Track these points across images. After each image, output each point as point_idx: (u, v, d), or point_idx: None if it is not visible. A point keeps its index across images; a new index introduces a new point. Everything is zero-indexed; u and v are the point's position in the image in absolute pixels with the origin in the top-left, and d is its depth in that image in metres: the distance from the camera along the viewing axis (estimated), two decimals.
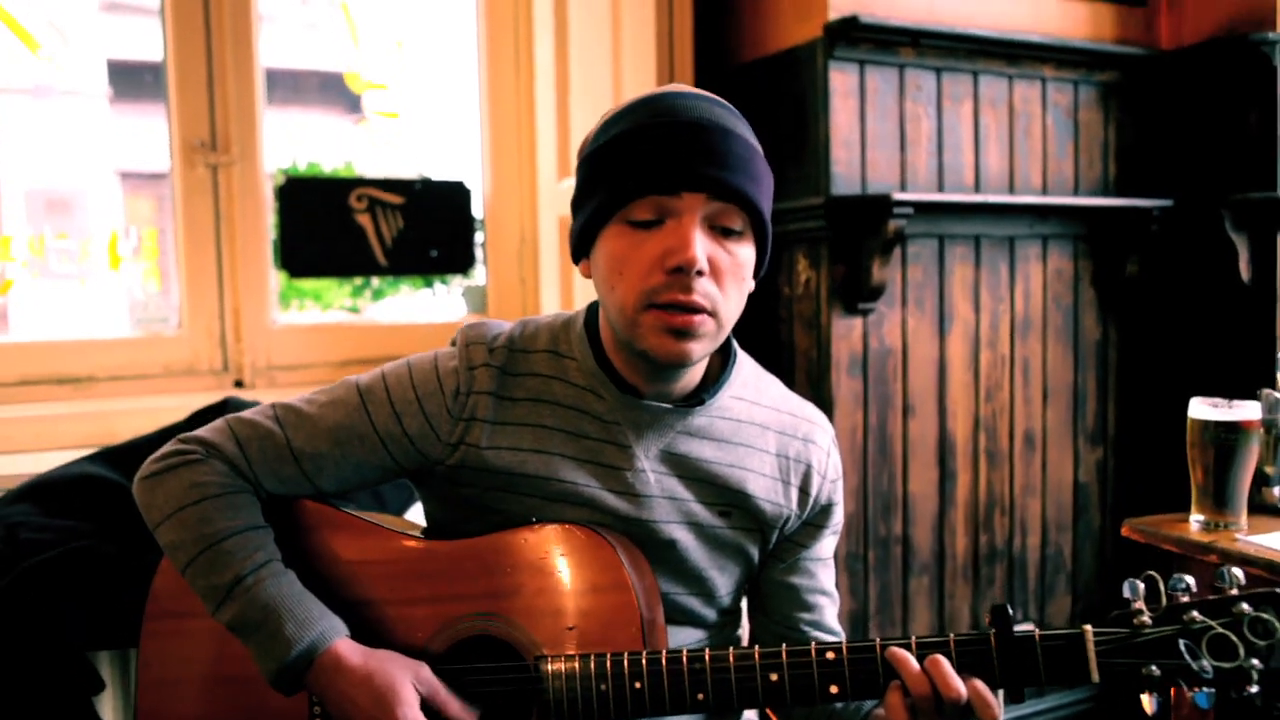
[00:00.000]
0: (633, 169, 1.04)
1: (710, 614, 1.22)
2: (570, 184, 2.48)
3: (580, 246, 1.14)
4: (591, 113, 2.49)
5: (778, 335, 2.40)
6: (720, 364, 1.22)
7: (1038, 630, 0.97)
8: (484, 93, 2.70)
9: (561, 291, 2.61)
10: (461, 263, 2.72)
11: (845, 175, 2.22)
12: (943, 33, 2.23)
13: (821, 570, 1.28)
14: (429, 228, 2.64)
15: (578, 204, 1.14)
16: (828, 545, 1.29)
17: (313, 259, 2.56)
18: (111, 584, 1.32)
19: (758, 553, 1.23)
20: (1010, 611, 0.97)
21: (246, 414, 1.18)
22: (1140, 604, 0.96)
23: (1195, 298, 2.54)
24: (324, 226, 2.54)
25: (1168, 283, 2.58)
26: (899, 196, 2.08)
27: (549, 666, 1.06)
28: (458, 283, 2.80)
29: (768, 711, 1.32)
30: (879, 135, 2.24)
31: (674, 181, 1.03)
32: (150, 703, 1.16)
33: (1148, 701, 0.96)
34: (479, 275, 2.75)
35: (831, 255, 2.20)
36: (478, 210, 2.72)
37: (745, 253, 1.09)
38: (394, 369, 1.20)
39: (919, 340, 2.32)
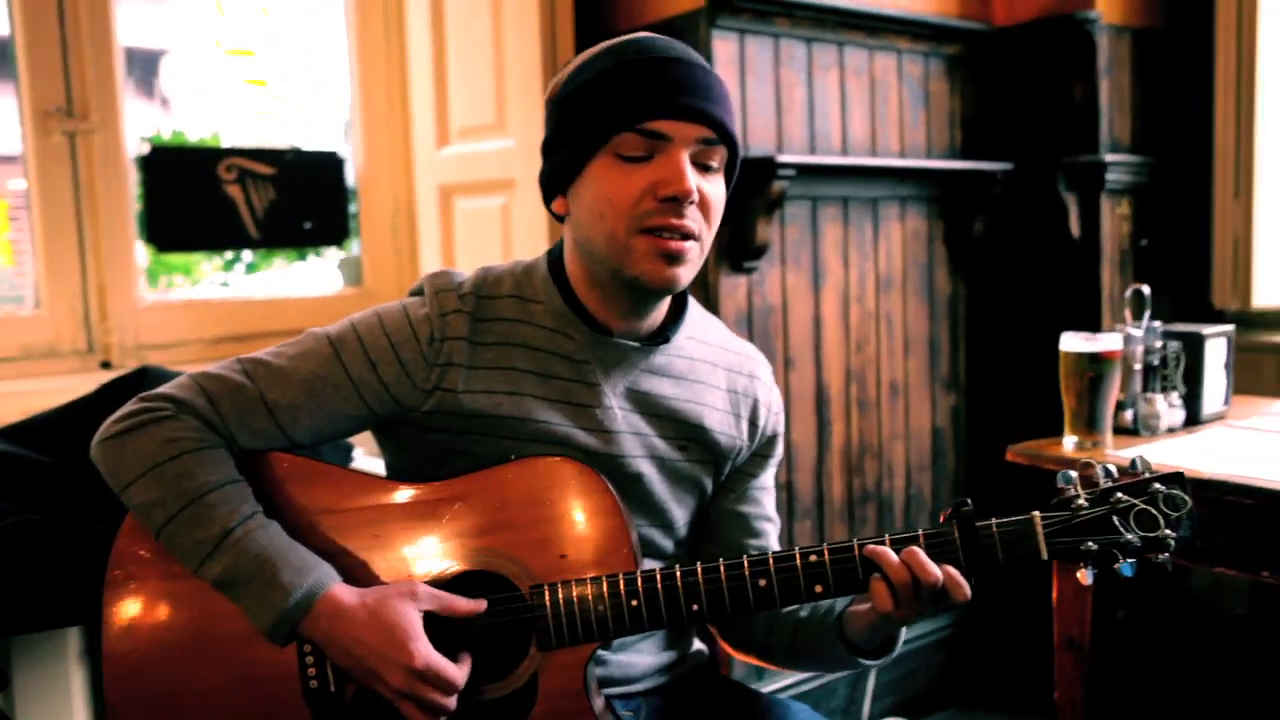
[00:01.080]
0: (622, 101, 1.08)
1: (669, 545, 1.29)
2: (453, 151, 2.48)
3: (558, 184, 1.17)
4: (470, 82, 2.50)
5: None
6: (675, 305, 1.28)
7: (995, 520, 1.08)
8: (354, 61, 2.65)
9: (444, 260, 2.60)
10: (335, 234, 2.67)
11: None
12: (813, 4, 2.36)
13: (766, 498, 1.37)
14: (301, 199, 2.58)
15: (553, 145, 1.17)
16: (771, 474, 1.37)
17: (181, 232, 2.45)
18: (55, 558, 1.25)
19: (711, 484, 1.31)
20: (969, 505, 1.08)
21: (212, 369, 1.16)
22: (1075, 489, 1.10)
23: (1033, 252, 2.79)
24: (192, 198, 2.44)
25: (1010, 239, 2.82)
26: (781, 159, 2.20)
27: (546, 595, 1.10)
28: (332, 254, 2.74)
29: (713, 632, 1.40)
30: (757, 101, 2.35)
31: (666, 110, 1.07)
32: (119, 673, 1.12)
33: (1084, 574, 1.09)
34: (354, 246, 2.71)
35: None
36: (351, 180, 2.67)
37: (722, 190, 1.15)
38: (362, 319, 1.20)
39: (797, 297, 2.45)
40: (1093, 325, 2.68)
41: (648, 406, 1.24)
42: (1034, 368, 2.79)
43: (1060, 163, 2.66)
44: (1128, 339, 1.86)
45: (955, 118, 2.76)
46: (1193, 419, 1.90)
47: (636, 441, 1.23)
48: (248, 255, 2.61)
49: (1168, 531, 1.07)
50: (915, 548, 1.06)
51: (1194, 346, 1.90)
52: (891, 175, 2.56)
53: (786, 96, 2.41)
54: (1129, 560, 1.08)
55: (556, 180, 1.17)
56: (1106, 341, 1.74)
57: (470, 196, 2.54)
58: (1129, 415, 1.87)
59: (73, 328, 2.28)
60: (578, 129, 1.12)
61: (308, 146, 2.61)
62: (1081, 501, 1.09)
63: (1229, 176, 2.69)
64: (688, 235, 1.10)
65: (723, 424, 1.29)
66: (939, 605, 1.07)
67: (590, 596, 1.10)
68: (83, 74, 2.25)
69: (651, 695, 1.28)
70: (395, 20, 2.66)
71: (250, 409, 1.13)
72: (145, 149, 2.37)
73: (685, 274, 1.13)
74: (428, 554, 1.13)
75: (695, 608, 1.10)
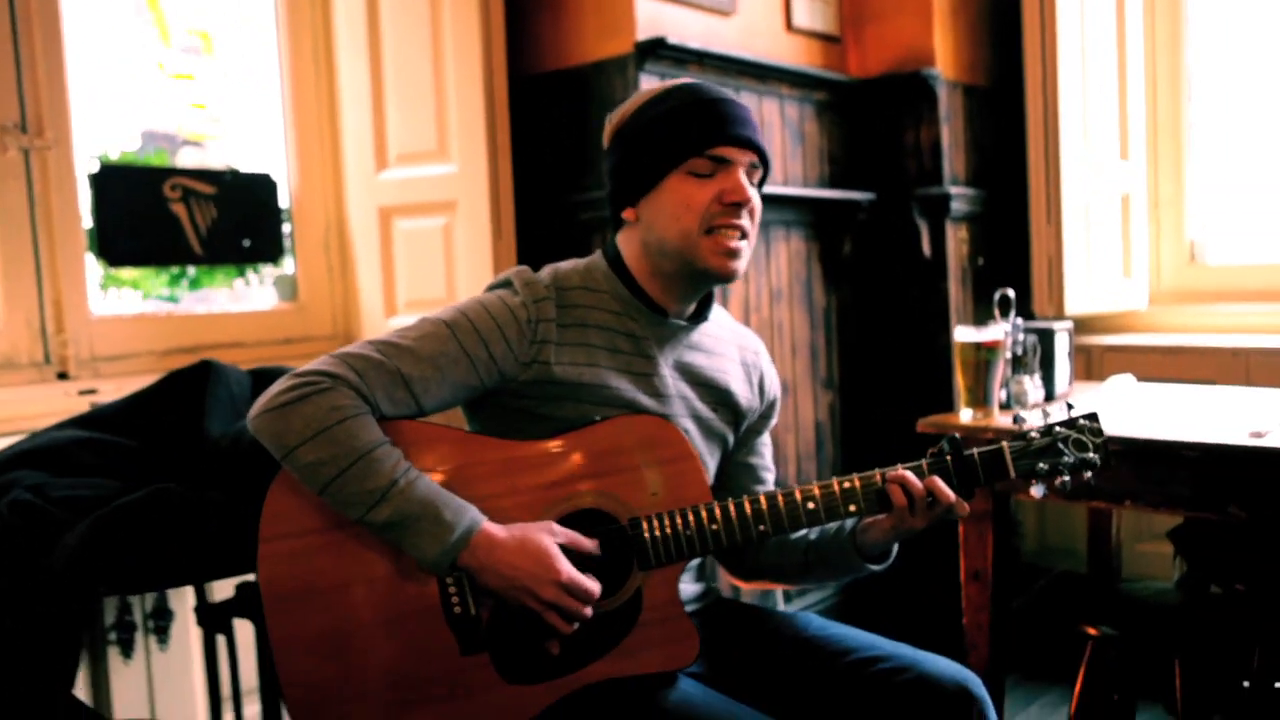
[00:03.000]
0: (695, 131, 1.39)
1: None
2: (393, 175, 2.67)
3: (629, 197, 1.45)
4: (409, 113, 2.70)
5: None
6: (705, 295, 1.58)
7: (977, 451, 1.44)
8: (285, 88, 2.80)
9: (384, 279, 2.78)
10: (271, 252, 2.80)
11: None
12: (718, 54, 2.73)
13: (767, 451, 1.69)
14: (240, 218, 2.70)
15: (625, 167, 1.45)
16: (769, 432, 1.70)
17: (131, 247, 2.52)
18: (198, 522, 1.40)
19: (732, 440, 1.61)
20: (958, 438, 1.44)
21: (350, 349, 1.36)
22: (1029, 426, 1.47)
23: (893, 269, 3.26)
24: (140, 215, 2.52)
25: (873, 258, 3.28)
26: None
27: (643, 524, 1.37)
28: (269, 271, 2.85)
29: (719, 569, 1.69)
30: None
31: (730, 140, 1.40)
32: (280, 618, 1.29)
33: (1036, 490, 1.46)
34: (288, 264, 2.84)
35: None
36: (285, 201, 2.81)
37: (760, 200, 1.47)
38: (469, 307, 1.43)
39: None
40: (943, 330, 3.17)
41: (690, 375, 1.54)
42: (896, 366, 3.27)
43: (913, 194, 3.15)
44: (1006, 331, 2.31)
45: (825, 154, 3.20)
46: (1049, 396, 2.37)
47: (683, 404, 1.52)
48: (191, 270, 2.70)
49: (1093, 455, 1.47)
50: (926, 470, 1.41)
51: (1047, 339, 2.37)
52: (780, 203, 2.95)
53: None
54: (1065, 479, 1.46)
55: (629, 194, 1.45)
56: (992, 333, 2.18)
57: (411, 217, 2.74)
58: (1003, 394, 2.32)
59: (29, 340, 2.32)
60: (655, 153, 1.41)
61: (245, 168, 2.73)
62: (1034, 434, 1.46)
63: (1041, 206, 3.26)
64: (744, 234, 1.42)
65: (742, 389, 1.60)
66: (943, 516, 1.41)
67: (679, 524, 1.38)
68: (36, 91, 2.31)
69: (693, 617, 1.56)
70: (324, 51, 2.83)
71: (391, 382, 1.34)
72: (95, 166, 2.44)
73: (742, 266, 1.44)
74: (546, 498, 1.37)
75: (762, 528, 1.40)
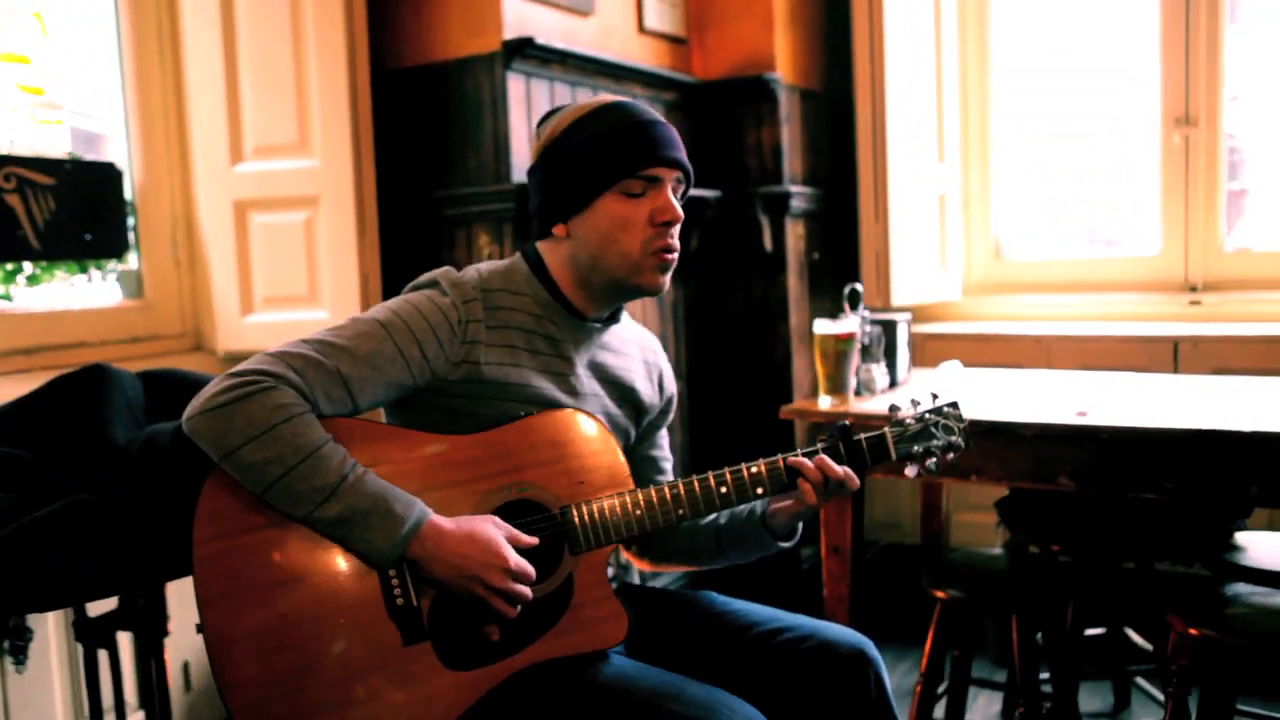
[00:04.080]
0: (628, 153, 1.45)
1: None
2: (250, 168, 2.60)
3: (559, 214, 1.51)
4: (266, 105, 2.63)
5: None
6: None
7: (863, 437, 1.59)
8: (127, 75, 2.67)
9: (239, 275, 2.69)
10: (115, 247, 2.66)
11: (520, 166, 2.69)
12: (582, 55, 2.81)
13: (665, 442, 1.79)
14: (82, 210, 2.55)
15: (554, 184, 1.50)
16: (667, 426, 1.80)
17: None
18: (123, 530, 1.36)
19: (634, 434, 1.71)
20: (849, 424, 1.58)
21: (286, 348, 1.36)
22: (904, 414, 1.64)
23: (736, 263, 3.44)
24: None
25: (718, 253, 3.44)
26: None
27: (572, 512, 1.45)
28: (113, 267, 2.71)
29: (628, 556, 1.79)
30: None
31: (661, 161, 1.47)
32: (219, 618, 1.28)
33: (910, 470, 1.63)
34: (133, 259, 2.71)
35: (515, 232, 2.67)
36: (130, 193, 2.68)
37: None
38: (400, 307, 1.45)
39: None
40: (783, 320, 3.38)
41: (601, 374, 1.62)
42: (739, 356, 3.44)
43: (756, 192, 3.33)
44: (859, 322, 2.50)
45: None
46: (893, 382, 2.59)
47: (596, 401, 1.60)
48: (28, 267, 2.53)
49: (958, 438, 1.64)
50: (823, 455, 1.54)
51: (890, 329, 2.59)
52: None
53: None
54: (932, 461, 1.63)
55: (560, 210, 1.51)
56: (847, 325, 2.37)
57: (269, 212, 2.67)
58: (854, 381, 2.51)
59: None
60: (587, 173, 1.47)
61: (87, 157, 2.59)
62: (909, 420, 1.63)
63: (870, 204, 3.51)
64: (673, 249, 1.51)
65: (645, 387, 1.69)
66: (837, 494, 1.56)
67: (606, 510, 1.46)
68: None
69: None
70: (170, 38, 2.71)
71: (330, 381, 1.36)
72: None
73: (669, 279, 1.54)
74: (480, 489, 1.42)
75: (681, 512, 1.50)
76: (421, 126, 2.79)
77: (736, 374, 3.45)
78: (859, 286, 2.58)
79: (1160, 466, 1.97)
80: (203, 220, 2.73)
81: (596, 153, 1.48)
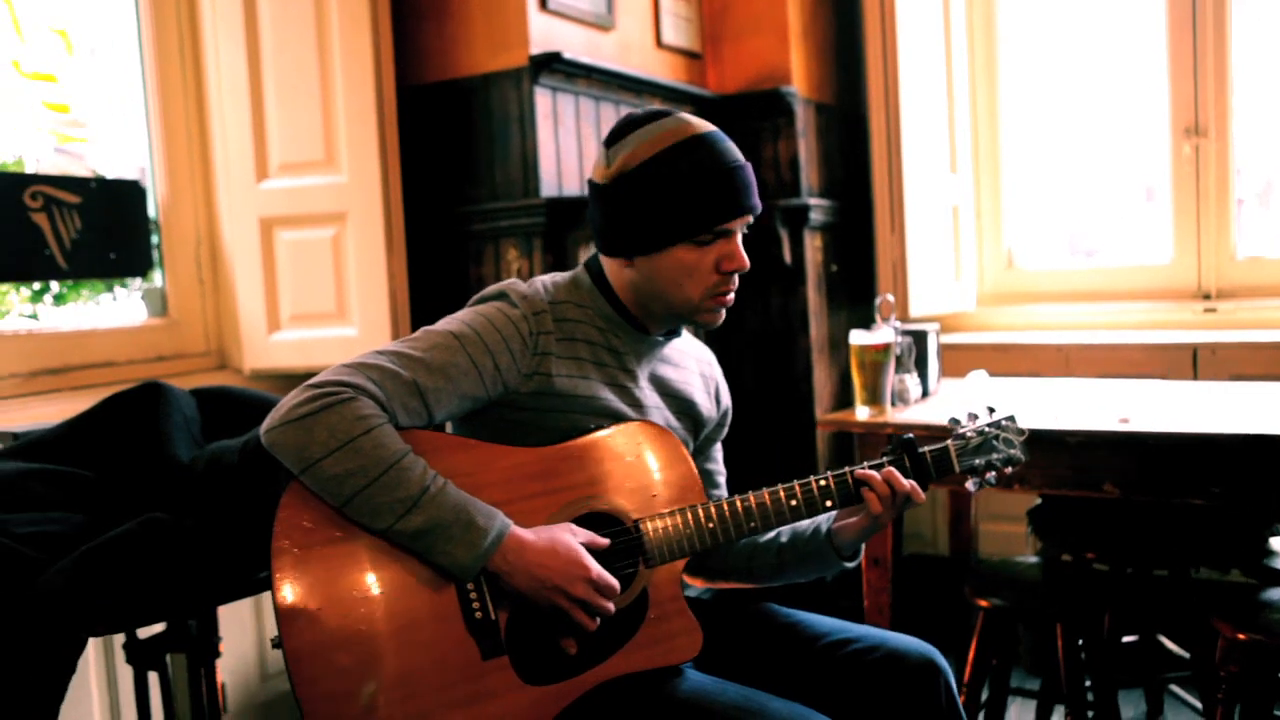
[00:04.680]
0: (706, 209, 1.43)
1: None
2: (276, 185, 2.58)
3: (632, 248, 1.48)
4: (292, 121, 2.62)
5: None
6: None
7: (927, 449, 1.58)
8: (151, 92, 2.65)
9: (266, 293, 2.68)
10: (139, 265, 2.64)
11: (547, 181, 2.69)
12: (607, 70, 2.81)
13: (720, 455, 1.79)
14: (107, 228, 2.53)
15: (629, 220, 1.47)
16: (721, 440, 1.80)
17: None
18: (201, 550, 1.34)
19: (691, 447, 1.70)
20: (912, 436, 1.58)
21: (363, 359, 1.35)
22: (965, 427, 1.63)
23: (758, 275, 3.43)
24: None
25: None
26: None
27: (647, 525, 1.44)
28: (137, 285, 2.68)
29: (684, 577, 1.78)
30: (567, 149, 2.75)
31: (736, 214, 1.46)
32: (297, 631, 1.27)
33: (970, 483, 1.63)
34: (157, 278, 2.69)
35: (544, 246, 2.66)
36: (153, 210, 2.66)
37: None
38: (470, 319, 1.44)
39: None
40: (803, 332, 3.38)
41: (662, 387, 1.61)
42: (761, 366, 3.44)
43: (775, 205, 3.33)
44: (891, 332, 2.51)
45: None
46: (924, 392, 2.60)
47: (658, 414, 1.60)
48: (55, 286, 2.50)
49: (1017, 451, 1.64)
50: (890, 468, 1.54)
51: (921, 340, 2.60)
52: None
53: (584, 146, 2.83)
54: (992, 474, 1.63)
55: (625, 245, 1.48)
56: (883, 336, 2.37)
57: (296, 228, 2.66)
58: (890, 391, 2.51)
59: None
60: (663, 220, 1.44)
61: (112, 175, 2.57)
62: (970, 434, 1.63)
63: (886, 216, 3.53)
64: (732, 291, 1.52)
65: (703, 400, 1.69)
66: (903, 508, 1.55)
67: (679, 524, 1.45)
68: None
69: None
70: (192, 56, 2.70)
71: (408, 392, 1.35)
72: None
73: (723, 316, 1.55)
74: (555, 502, 1.42)
75: (753, 525, 1.49)
76: (446, 142, 2.79)
77: (758, 388, 3.44)
78: (890, 297, 2.58)
79: (1208, 471, 1.98)
80: (227, 237, 2.71)
81: (677, 200, 1.43)
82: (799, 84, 3.39)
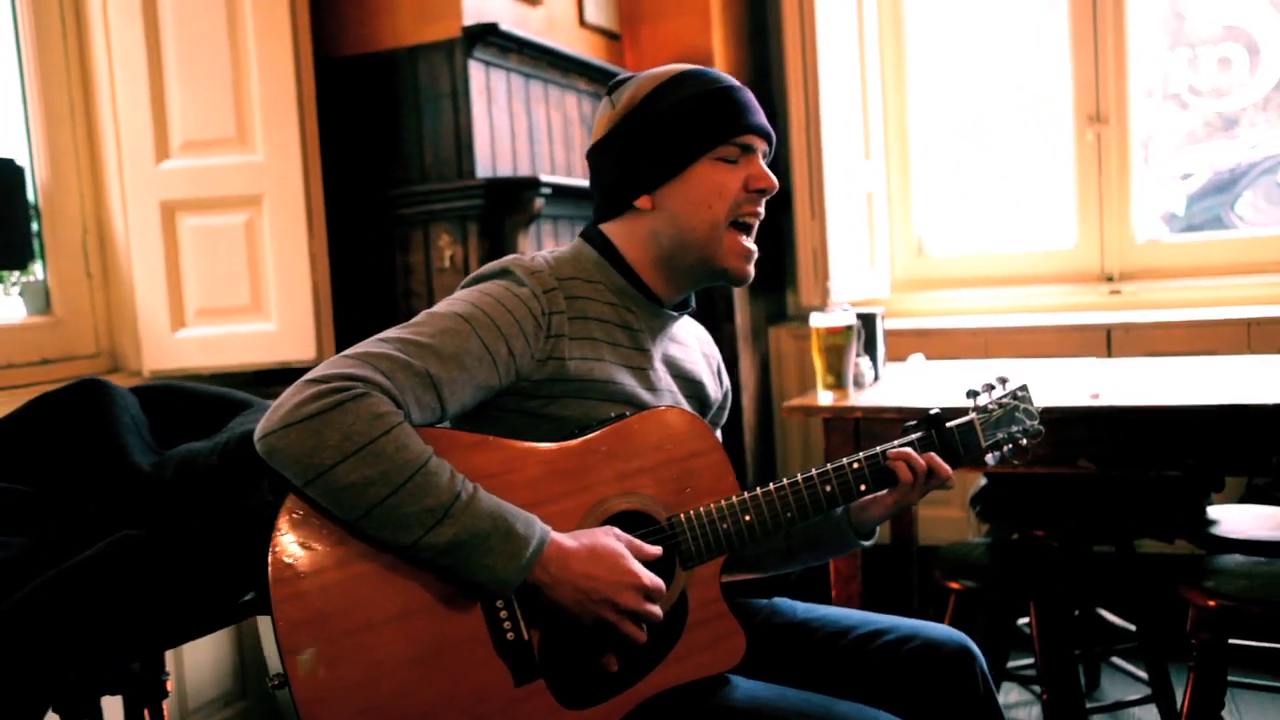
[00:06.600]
0: (726, 119, 1.35)
1: None
2: (178, 165, 2.33)
3: (646, 184, 1.37)
4: (198, 97, 2.37)
5: (410, 308, 2.57)
6: None
7: (951, 423, 1.52)
8: (29, 65, 2.34)
9: (169, 285, 2.41)
10: (16, 256, 2.33)
11: (482, 161, 2.52)
12: (539, 44, 2.66)
13: (720, 439, 1.68)
14: None
15: (644, 153, 1.37)
16: (721, 424, 1.69)
17: None
18: (179, 571, 1.13)
19: None
20: (940, 415, 1.51)
21: (366, 348, 1.18)
22: (984, 400, 1.58)
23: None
24: None
25: None
26: (543, 179, 2.46)
27: (682, 522, 1.32)
28: (15, 279, 2.36)
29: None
30: (500, 127, 2.59)
31: (756, 129, 1.38)
32: (305, 671, 1.08)
33: (991, 458, 1.58)
34: (38, 270, 2.38)
35: (481, 230, 2.49)
36: (34, 195, 2.36)
37: None
38: (476, 299, 1.28)
39: None
40: (727, 322, 3.31)
41: (673, 367, 1.50)
42: None
43: None
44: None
45: None
46: (875, 375, 2.56)
47: (670, 397, 1.48)
48: None
49: (1035, 421, 1.60)
50: (930, 451, 1.46)
51: (870, 323, 2.55)
52: (576, 195, 2.91)
53: (516, 125, 2.67)
54: (1010, 447, 1.59)
55: (646, 180, 1.37)
56: (842, 318, 2.31)
57: (203, 213, 2.40)
58: (851, 374, 2.46)
59: None
60: (682, 138, 1.35)
61: None
62: (992, 406, 1.57)
63: (806, 202, 3.50)
64: (758, 218, 1.41)
65: (710, 381, 1.58)
66: (932, 488, 1.48)
67: (714, 517, 1.33)
68: None
69: None
70: (74, 21, 2.40)
71: (421, 385, 1.18)
72: None
73: (753, 270, 1.44)
74: (582, 503, 1.27)
75: (790, 515, 1.38)
76: (369, 119, 2.58)
77: None
78: (830, 284, 2.53)
79: (1183, 443, 2.00)
80: (120, 224, 2.43)
81: (691, 116, 1.36)
82: (719, 66, 3.31)
